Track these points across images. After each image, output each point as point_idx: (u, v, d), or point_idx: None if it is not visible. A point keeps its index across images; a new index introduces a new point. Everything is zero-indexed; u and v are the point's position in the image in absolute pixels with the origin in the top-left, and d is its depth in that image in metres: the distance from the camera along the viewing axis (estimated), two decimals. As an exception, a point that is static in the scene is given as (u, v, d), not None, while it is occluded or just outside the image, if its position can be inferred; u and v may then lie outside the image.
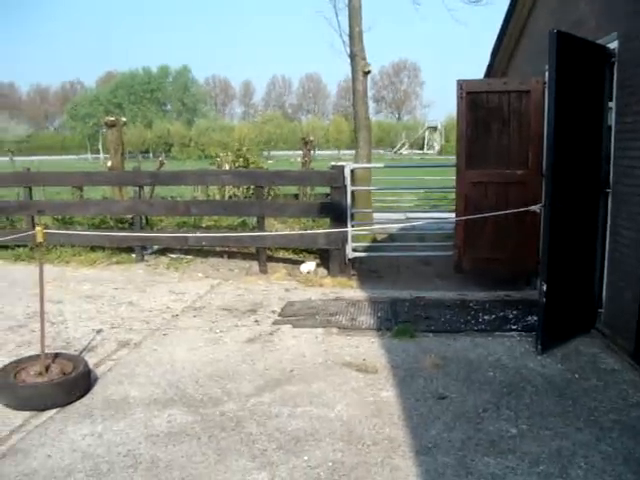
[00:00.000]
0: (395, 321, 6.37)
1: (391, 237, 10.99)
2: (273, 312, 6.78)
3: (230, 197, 13.15)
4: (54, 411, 4.35)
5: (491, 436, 3.91)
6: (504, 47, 10.76)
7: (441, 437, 3.91)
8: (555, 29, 5.13)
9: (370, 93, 12.57)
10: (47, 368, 4.65)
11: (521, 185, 7.32)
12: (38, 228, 4.57)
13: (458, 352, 5.47)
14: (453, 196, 10.42)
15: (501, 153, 7.44)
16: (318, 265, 8.81)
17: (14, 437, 3.99)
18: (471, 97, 7.47)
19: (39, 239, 4.55)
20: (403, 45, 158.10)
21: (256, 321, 6.46)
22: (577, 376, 4.89)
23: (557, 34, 5.09)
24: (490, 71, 11.93)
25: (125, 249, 9.84)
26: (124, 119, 15.23)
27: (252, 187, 11.44)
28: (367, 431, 4.00)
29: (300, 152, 20.95)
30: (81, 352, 5.44)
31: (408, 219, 11.08)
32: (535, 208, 6.17)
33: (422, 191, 18.21)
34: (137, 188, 9.76)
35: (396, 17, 65.74)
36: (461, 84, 7.49)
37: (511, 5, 9.70)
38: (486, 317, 6.51)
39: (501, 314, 6.59)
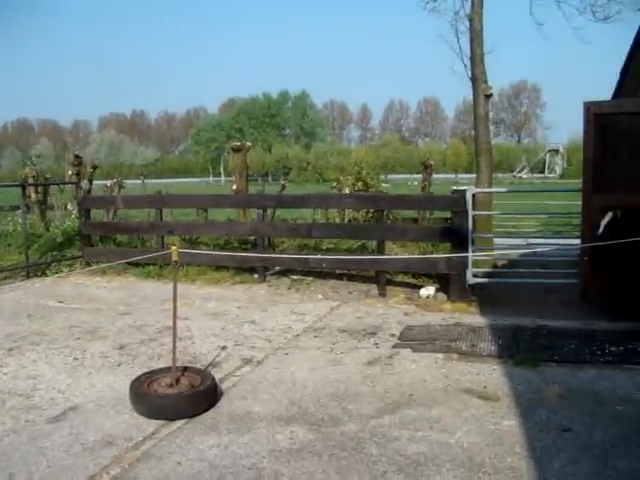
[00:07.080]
0: (517, 349, 6.22)
1: (512, 263, 10.72)
2: (392, 335, 6.80)
3: (350, 220, 13.29)
4: (183, 421, 4.57)
5: (621, 474, 3.72)
6: (635, 66, 10.37)
7: (565, 471, 3.78)
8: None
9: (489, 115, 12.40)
10: (177, 380, 4.89)
11: (653, 211, 7.00)
12: (174, 247, 4.84)
13: (583, 384, 5.27)
14: (577, 222, 10.10)
15: (632, 177, 7.14)
16: (437, 290, 8.74)
17: (147, 443, 4.24)
18: (599, 119, 7.22)
19: (174, 258, 4.82)
20: (523, 65, 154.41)
21: (375, 344, 6.50)
22: None
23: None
24: (619, 91, 11.51)
25: (248, 269, 10.18)
26: (249, 144, 15.72)
27: (372, 211, 11.51)
28: (488, 459, 3.94)
29: (417, 176, 20.91)
30: (207, 367, 5.68)
31: (529, 245, 10.79)
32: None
33: (544, 216, 17.70)
34: (260, 210, 10.08)
35: (516, 37, 64.49)
36: (588, 106, 7.26)
37: (643, 23, 9.36)
38: (613, 348, 6.21)
39: (630, 346, 6.27)
